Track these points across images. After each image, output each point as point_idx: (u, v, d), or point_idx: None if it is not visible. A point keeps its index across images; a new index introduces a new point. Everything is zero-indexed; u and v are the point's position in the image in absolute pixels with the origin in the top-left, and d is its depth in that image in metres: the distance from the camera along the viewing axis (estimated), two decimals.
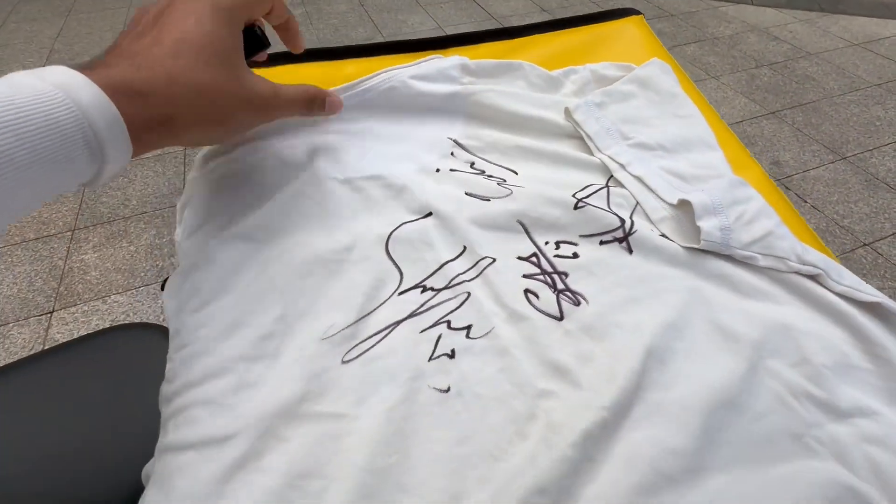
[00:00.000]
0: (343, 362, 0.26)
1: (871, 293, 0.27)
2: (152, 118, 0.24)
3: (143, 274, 1.32)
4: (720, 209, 0.29)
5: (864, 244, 1.43)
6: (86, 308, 1.25)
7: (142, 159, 1.62)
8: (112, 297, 1.28)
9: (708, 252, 0.29)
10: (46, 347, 0.77)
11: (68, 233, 1.45)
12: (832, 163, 1.72)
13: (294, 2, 2.59)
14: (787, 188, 1.63)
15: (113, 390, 0.42)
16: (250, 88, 0.28)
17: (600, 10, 0.47)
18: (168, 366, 0.26)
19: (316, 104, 0.33)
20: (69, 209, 1.50)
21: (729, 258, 0.29)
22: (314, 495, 0.21)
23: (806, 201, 1.60)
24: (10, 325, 1.21)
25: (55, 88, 0.20)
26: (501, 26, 0.48)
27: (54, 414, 0.39)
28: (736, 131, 1.86)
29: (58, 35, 2.33)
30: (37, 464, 0.36)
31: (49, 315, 1.23)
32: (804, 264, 0.28)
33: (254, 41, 0.31)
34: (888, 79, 2.09)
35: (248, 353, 0.25)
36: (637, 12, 0.47)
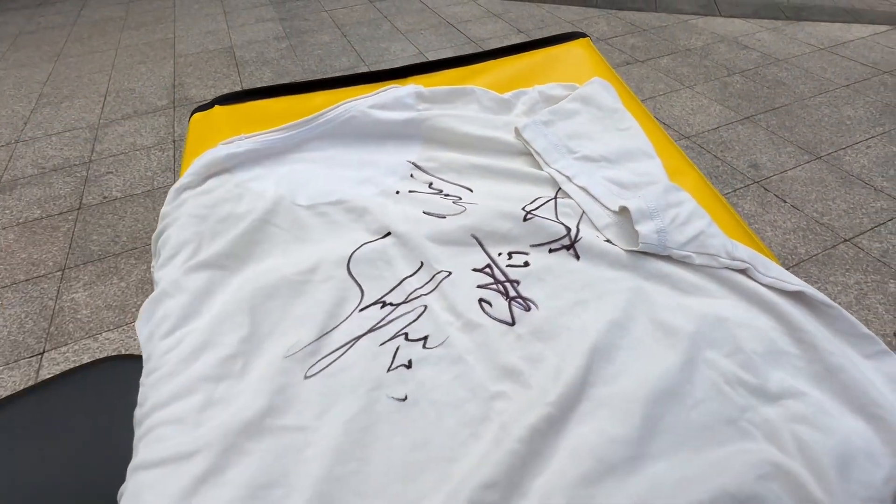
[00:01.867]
0: (305, 377, 0.27)
1: (795, 283, 0.28)
2: None
3: (134, 310, 1.32)
4: (656, 213, 0.31)
5: (845, 240, 1.45)
6: (77, 347, 1.25)
7: (131, 195, 1.64)
8: (104, 334, 1.28)
9: (648, 254, 0.31)
10: None
11: (58, 272, 1.46)
12: (808, 163, 1.76)
13: (279, 35, 2.66)
14: (766, 189, 1.66)
15: (95, 422, 0.42)
16: None
17: (575, 29, 0.49)
18: (140, 391, 0.27)
19: None
20: (59, 249, 1.52)
21: (668, 258, 0.31)
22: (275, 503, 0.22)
23: (785, 201, 1.63)
24: (1, 368, 1.20)
25: None
26: (480, 49, 0.50)
27: (36, 449, 0.40)
28: (713, 137, 1.92)
29: (47, 80, 2.38)
30: (22, 498, 0.37)
31: (40, 356, 1.23)
32: (733, 259, 0.29)
33: None
34: (855, 79, 2.16)
35: (213, 373, 0.27)
36: (584, 35, 0.50)
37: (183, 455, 0.23)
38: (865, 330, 0.27)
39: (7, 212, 1.62)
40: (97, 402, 0.42)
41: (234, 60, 2.42)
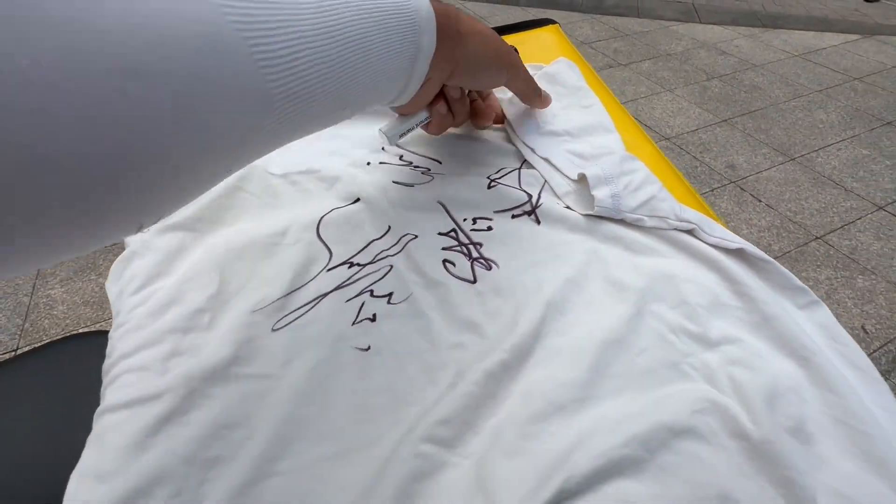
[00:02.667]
0: (273, 330, 0.28)
1: (736, 241, 0.30)
2: (448, 38, 0.28)
3: None
4: (611, 179, 0.32)
5: (817, 237, 1.50)
6: None
7: None
8: (80, 330, 1.26)
9: (604, 218, 0.33)
10: None
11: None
12: (782, 164, 1.82)
13: None
14: (742, 189, 1.71)
15: (69, 397, 0.42)
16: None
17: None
18: (108, 343, 0.28)
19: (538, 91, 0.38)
20: None
21: (622, 222, 0.32)
22: (237, 443, 0.23)
23: (760, 200, 1.68)
24: None
25: None
26: None
27: (9, 424, 0.40)
28: (692, 139, 1.96)
29: None
30: None
31: (14, 352, 1.21)
32: (681, 221, 0.31)
33: None
34: (827, 85, 2.24)
35: (180, 325, 0.27)
36: (553, 22, 0.51)
37: (147, 398, 0.24)
38: (798, 282, 0.29)
39: None
40: (74, 377, 0.42)
41: None
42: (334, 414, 0.25)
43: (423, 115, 0.34)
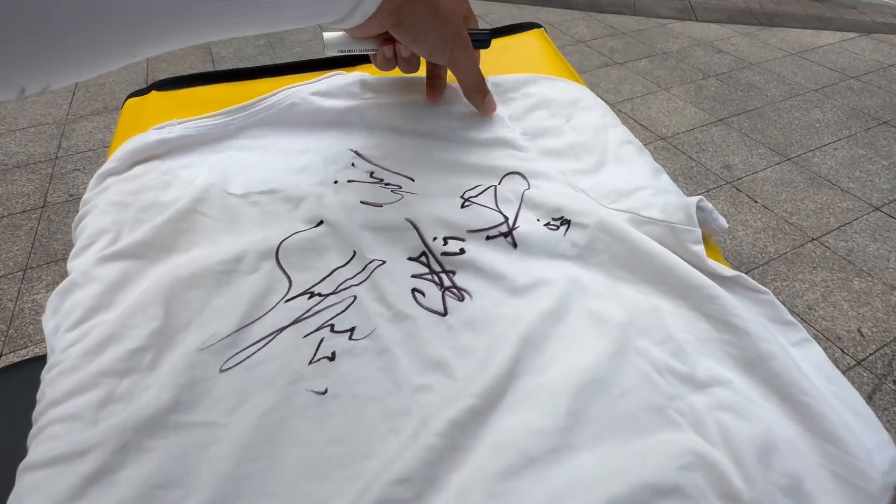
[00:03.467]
0: (221, 371, 0.26)
1: (727, 272, 0.28)
2: None
3: None
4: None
5: (813, 239, 1.48)
6: (37, 350, 1.21)
7: None
8: None
9: (582, 244, 0.30)
10: None
11: (19, 272, 1.41)
12: (778, 164, 1.80)
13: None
14: (738, 190, 1.69)
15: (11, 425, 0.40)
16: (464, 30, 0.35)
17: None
18: (40, 387, 0.25)
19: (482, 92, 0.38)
20: (21, 248, 1.46)
21: (604, 248, 0.30)
22: None
23: (757, 201, 1.66)
24: None
25: None
26: None
27: None
28: (688, 139, 1.94)
29: None
30: None
31: None
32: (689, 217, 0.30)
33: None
34: (824, 84, 2.21)
35: (118, 367, 0.25)
36: (539, 26, 0.49)
37: (73, 454, 0.22)
38: (790, 317, 0.27)
39: None
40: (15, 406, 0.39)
41: (210, 57, 2.38)
42: (282, 469, 0.22)
43: (371, 46, 0.34)
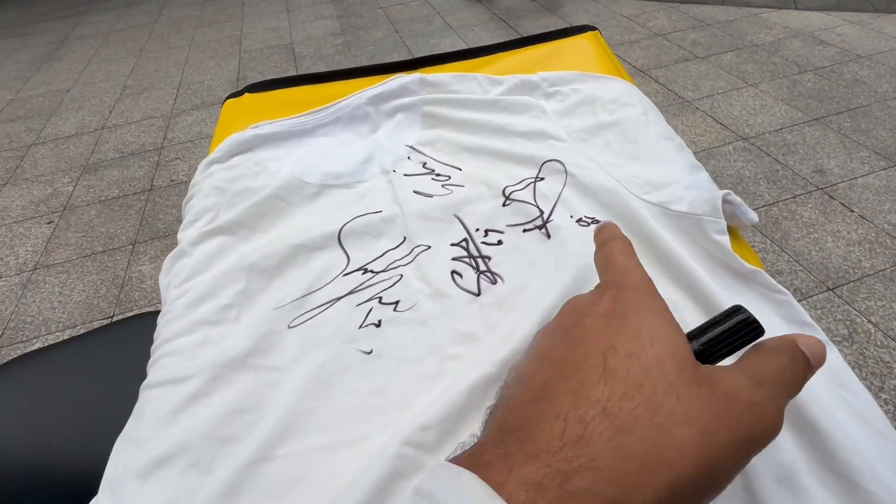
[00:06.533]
0: (289, 327, 0.31)
1: (747, 267, 0.29)
2: None
3: None
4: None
5: None
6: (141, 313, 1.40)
7: None
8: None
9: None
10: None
11: (129, 246, 1.63)
12: (884, 170, 1.60)
13: (335, 31, 2.78)
14: (831, 197, 1.54)
15: (127, 368, 0.49)
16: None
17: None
18: (157, 328, 0.33)
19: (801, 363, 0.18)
20: (132, 225, 1.69)
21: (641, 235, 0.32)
22: (248, 425, 0.26)
23: (853, 210, 1.50)
24: (78, 327, 1.37)
25: None
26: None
27: (76, 394, 0.47)
28: (774, 139, 1.79)
29: (130, 73, 2.64)
30: (61, 440, 0.43)
31: (110, 319, 1.39)
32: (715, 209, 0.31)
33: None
34: None
35: (212, 318, 0.31)
36: (593, 28, 0.50)
37: (178, 379, 0.28)
38: (808, 318, 0.27)
39: (91, 190, 1.83)
40: (132, 351, 0.49)
41: (292, 56, 2.56)
42: (333, 410, 0.27)
43: None
